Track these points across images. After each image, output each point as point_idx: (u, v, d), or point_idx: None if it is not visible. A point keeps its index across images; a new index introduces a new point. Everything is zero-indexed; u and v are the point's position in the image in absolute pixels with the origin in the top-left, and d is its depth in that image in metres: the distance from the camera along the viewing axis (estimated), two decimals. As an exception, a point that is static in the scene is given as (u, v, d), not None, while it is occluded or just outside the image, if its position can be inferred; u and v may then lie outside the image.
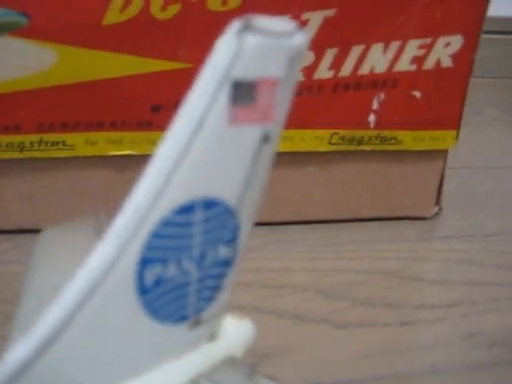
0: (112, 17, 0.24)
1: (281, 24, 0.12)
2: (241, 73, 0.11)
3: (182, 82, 0.25)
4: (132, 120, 0.26)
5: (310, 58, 0.26)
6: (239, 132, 0.12)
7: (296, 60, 0.12)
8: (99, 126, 0.26)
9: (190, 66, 0.25)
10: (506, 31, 0.54)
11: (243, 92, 0.11)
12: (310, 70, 0.26)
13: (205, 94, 0.11)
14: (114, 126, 0.26)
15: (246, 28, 0.12)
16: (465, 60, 0.27)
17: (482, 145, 0.40)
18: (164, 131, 0.26)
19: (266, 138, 0.12)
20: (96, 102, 0.25)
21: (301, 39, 0.12)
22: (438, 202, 0.31)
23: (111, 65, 0.25)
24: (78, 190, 0.27)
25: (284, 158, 0.28)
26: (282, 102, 0.12)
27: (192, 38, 0.25)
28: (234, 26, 0.12)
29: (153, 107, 0.26)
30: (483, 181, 0.35)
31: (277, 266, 0.26)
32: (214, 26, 0.24)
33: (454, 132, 0.29)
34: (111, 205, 0.29)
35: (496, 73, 0.53)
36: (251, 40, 0.11)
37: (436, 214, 0.31)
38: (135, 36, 0.24)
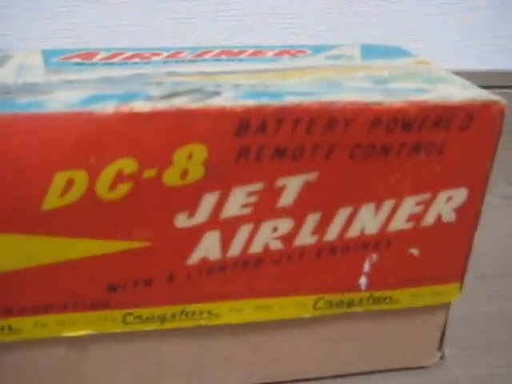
0: (52, 202, 0.20)
1: None
2: None
3: (139, 261, 0.22)
4: (85, 301, 0.22)
5: (287, 225, 0.22)
6: None
7: None
8: (48, 309, 0.22)
9: (146, 244, 0.21)
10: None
11: None
12: (288, 238, 0.22)
13: None
14: (65, 309, 0.22)
15: None
16: (470, 212, 0.23)
17: (493, 239, 0.36)
18: (124, 310, 0.23)
19: None
20: (42, 287, 0.21)
21: None
22: (440, 347, 0.27)
23: (55, 249, 0.21)
24: (29, 371, 0.23)
25: (262, 326, 0.24)
26: None
27: (147, 216, 0.21)
28: None
29: (109, 287, 0.22)
30: (494, 298, 0.31)
31: None
32: (172, 202, 0.20)
33: (458, 284, 0.25)
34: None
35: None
36: None
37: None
38: (80, 219, 0.20)
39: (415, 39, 0.48)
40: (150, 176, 0.20)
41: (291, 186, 0.21)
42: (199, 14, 0.45)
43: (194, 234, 0.21)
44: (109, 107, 0.19)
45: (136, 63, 0.25)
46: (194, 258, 0.22)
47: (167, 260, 0.21)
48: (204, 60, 0.26)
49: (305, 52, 0.28)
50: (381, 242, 0.23)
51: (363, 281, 0.23)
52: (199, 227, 0.21)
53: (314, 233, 0.22)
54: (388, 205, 0.22)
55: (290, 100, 0.20)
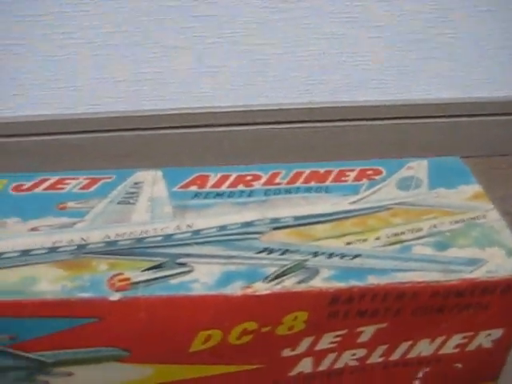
0: (196, 347, 0.28)
1: None
2: None
3: (254, 375, 0.30)
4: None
5: (362, 352, 0.29)
6: None
7: None
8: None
9: (260, 366, 0.29)
10: None
11: None
12: (363, 359, 0.29)
13: None
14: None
15: None
16: (505, 342, 0.30)
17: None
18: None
19: None
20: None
21: None
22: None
23: (197, 371, 0.29)
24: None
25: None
26: None
27: (263, 351, 0.28)
28: None
29: (232, 389, 0.30)
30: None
31: None
32: (280, 343, 0.28)
33: (494, 383, 0.32)
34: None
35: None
36: None
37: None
38: (216, 355, 0.28)
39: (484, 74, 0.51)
40: (266, 330, 0.27)
41: (367, 331, 0.28)
42: (276, 55, 0.50)
43: (295, 360, 0.29)
44: (237, 290, 0.26)
45: (242, 193, 0.32)
46: (294, 372, 0.29)
47: (274, 374, 0.30)
48: (297, 190, 0.32)
49: (381, 173, 0.33)
50: (433, 360, 0.30)
51: (416, 383, 0.31)
52: (298, 356, 0.29)
53: (381, 356, 0.29)
54: (440, 339, 0.29)
55: (371, 281, 0.27)
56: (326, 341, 0.28)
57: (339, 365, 0.29)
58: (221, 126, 0.50)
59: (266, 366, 0.29)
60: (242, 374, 0.29)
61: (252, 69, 0.50)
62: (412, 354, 0.29)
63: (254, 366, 0.29)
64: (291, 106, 0.51)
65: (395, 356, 0.29)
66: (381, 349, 0.29)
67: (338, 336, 0.28)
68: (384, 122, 0.51)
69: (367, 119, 0.51)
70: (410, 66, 0.51)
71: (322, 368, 0.29)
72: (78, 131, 0.47)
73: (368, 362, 0.29)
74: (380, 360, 0.29)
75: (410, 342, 0.29)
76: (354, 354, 0.29)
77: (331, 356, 0.29)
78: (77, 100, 0.48)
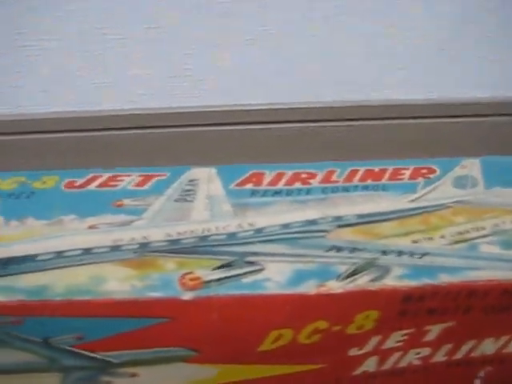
0: (265, 346, 0.27)
1: None
2: None
3: (317, 374, 0.30)
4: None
5: (427, 351, 0.29)
6: None
7: None
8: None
9: (324, 366, 0.29)
10: None
11: None
12: (426, 358, 0.29)
13: None
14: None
15: None
16: None
17: None
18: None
19: None
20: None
21: None
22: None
23: (263, 371, 0.29)
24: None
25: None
26: None
27: (330, 350, 0.28)
28: None
29: (295, 390, 0.30)
30: None
31: None
32: (349, 343, 0.28)
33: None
34: None
35: None
36: None
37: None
38: (284, 355, 0.28)
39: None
40: (336, 329, 0.27)
41: (434, 330, 0.28)
42: (307, 53, 0.50)
43: (360, 359, 0.29)
44: (311, 289, 0.26)
45: (300, 191, 0.32)
46: (358, 371, 0.29)
47: (338, 373, 0.29)
48: (355, 188, 0.32)
49: (435, 172, 0.34)
50: (496, 359, 0.30)
51: (477, 382, 0.31)
52: (364, 355, 0.29)
53: (445, 355, 0.29)
54: (505, 338, 0.29)
55: (443, 279, 0.27)
56: (394, 339, 0.28)
57: (403, 364, 0.29)
58: (249, 123, 0.50)
59: (330, 365, 0.29)
60: (306, 374, 0.29)
61: (283, 67, 0.50)
62: (475, 353, 0.29)
63: (319, 366, 0.29)
64: (320, 105, 0.51)
65: (459, 355, 0.29)
66: (445, 348, 0.29)
67: (405, 335, 0.28)
68: (414, 121, 0.52)
69: (397, 118, 0.51)
70: (440, 65, 0.51)
71: (385, 367, 0.29)
72: (120, 128, 0.47)
73: (431, 361, 0.29)
74: (443, 359, 0.29)
75: (474, 341, 0.29)
76: (418, 353, 0.29)
77: (396, 355, 0.29)
78: (109, 96, 0.48)
